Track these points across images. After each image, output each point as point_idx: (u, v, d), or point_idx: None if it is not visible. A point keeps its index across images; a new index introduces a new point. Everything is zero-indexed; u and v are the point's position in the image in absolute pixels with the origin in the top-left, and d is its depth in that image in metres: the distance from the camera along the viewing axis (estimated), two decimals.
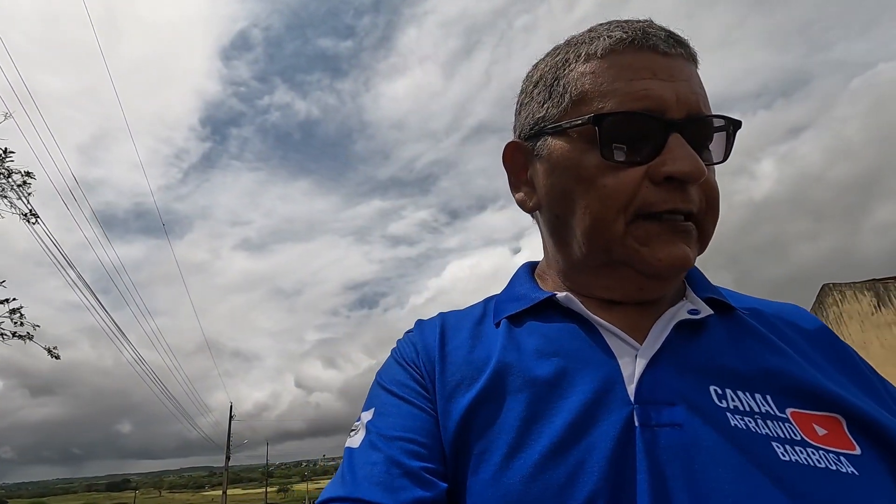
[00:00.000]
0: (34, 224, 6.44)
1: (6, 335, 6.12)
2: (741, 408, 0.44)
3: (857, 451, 0.42)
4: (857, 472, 0.40)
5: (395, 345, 0.64)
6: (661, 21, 0.55)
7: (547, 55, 0.60)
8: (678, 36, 0.54)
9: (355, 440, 0.52)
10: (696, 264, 0.56)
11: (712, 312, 0.52)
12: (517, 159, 0.61)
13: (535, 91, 0.58)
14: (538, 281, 0.64)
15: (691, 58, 0.54)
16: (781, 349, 0.50)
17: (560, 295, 0.55)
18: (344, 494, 0.46)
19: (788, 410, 0.44)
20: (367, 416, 0.54)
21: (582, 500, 0.40)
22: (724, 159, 0.53)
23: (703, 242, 0.52)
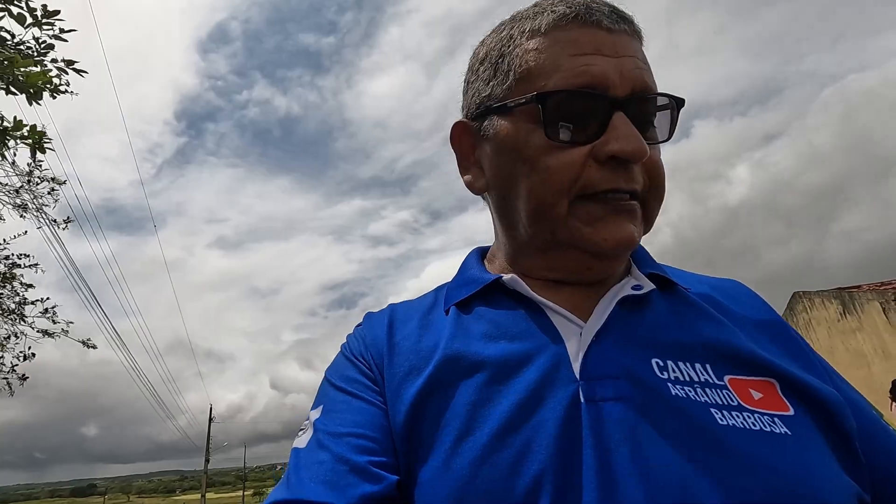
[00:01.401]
0: (64, 230, 6.64)
1: (39, 334, 6.34)
2: (681, 378, 0.45)
3: (791, 412, 0.44)
4: (789, 432, 0.42)
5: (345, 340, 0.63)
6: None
7: (493, 31, 0.59)
8: (622, 11, 0.53)
9: (302, 440, 0.51)
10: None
11: (654, 288, 0.53)
12: (464, 140, 0.61)
13: (481, 69, 0.57)
14: (487, 265, 0.64)
15: (636, 34, 0.53)
16: (719, 320, 0.51)
17: (506, 277, 0.55)
18: (288, 497, 0.45)
19: (726, 378, 0.46)
20: (315, 414, 0.53)
21: (530, 478, 0.41)
22: (669, 138, 0.53)
23: (647, 221, 0.53)
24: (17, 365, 6.16)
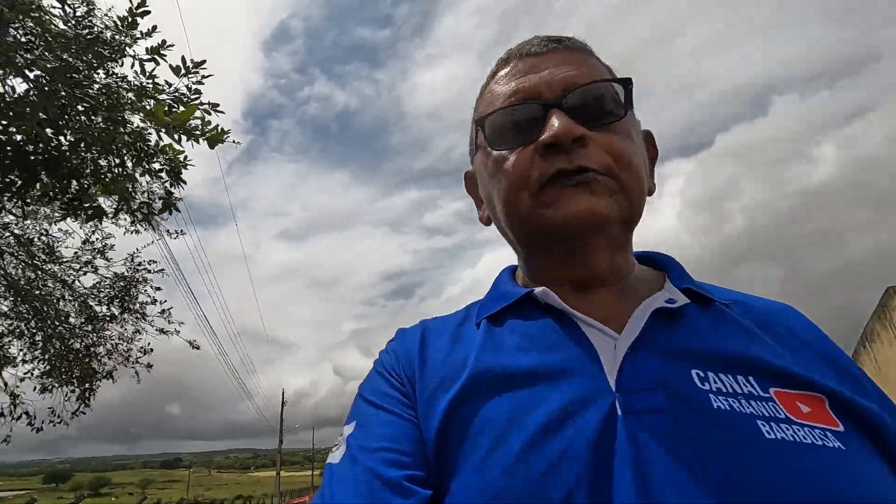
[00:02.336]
0: (175, 238, 7.45)
1: (159, 332, 7.23)
2: (724, 389, 0.44)
3: (841, 428, 0.42)
4: (843, 447, 0.40)
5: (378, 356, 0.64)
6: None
7: None
8: (554, 36, 0.60)
9: (336, 456, 0.52)
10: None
11: (689, 301, 0.53)
12: (471, 185, 0.70)
13: (472, 123, 0.67)
14: (518, 281, 0.65)
15: (570, 48, 0.59)
16: (762, 338, 0.50)
17: (537, 290, 0.56)
18: None
19: (772, 390, 0.44)
20: (348, 430, 0.54)
21: (564, 489, 0.40)
22: (624, 114, 0.56)
23: (626, 196, 0.53)
24: (140, 357, 7.10)
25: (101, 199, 3.96)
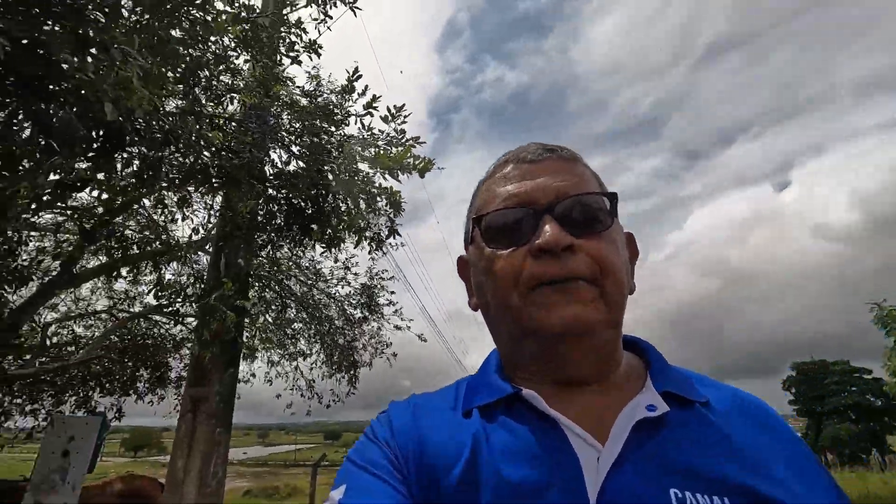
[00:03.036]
0: (397, 250, 8.69)
1: (395, 328, 8.63)
2: None
3: None
4: None
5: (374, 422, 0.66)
6: None
7: None
8: (548, 146, 0.64)
9: None
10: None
11: (668, 409, 0.53)
12: (464, 271, 0.72)
13: (467, 212, 0.71)
14: (505, 369, 0.65)
15: (563, 158, 0.63)
16: (737, 449, 0.51)
17: (525, 392, 0.57)
18: None
19: None
20: (337, 494, 0.54)
21: None
22: (611, 223, 0.59)
23: (608, 302, 0.56)
24: (385, 348, 8.60)
25: (345, 234, 5.03)
